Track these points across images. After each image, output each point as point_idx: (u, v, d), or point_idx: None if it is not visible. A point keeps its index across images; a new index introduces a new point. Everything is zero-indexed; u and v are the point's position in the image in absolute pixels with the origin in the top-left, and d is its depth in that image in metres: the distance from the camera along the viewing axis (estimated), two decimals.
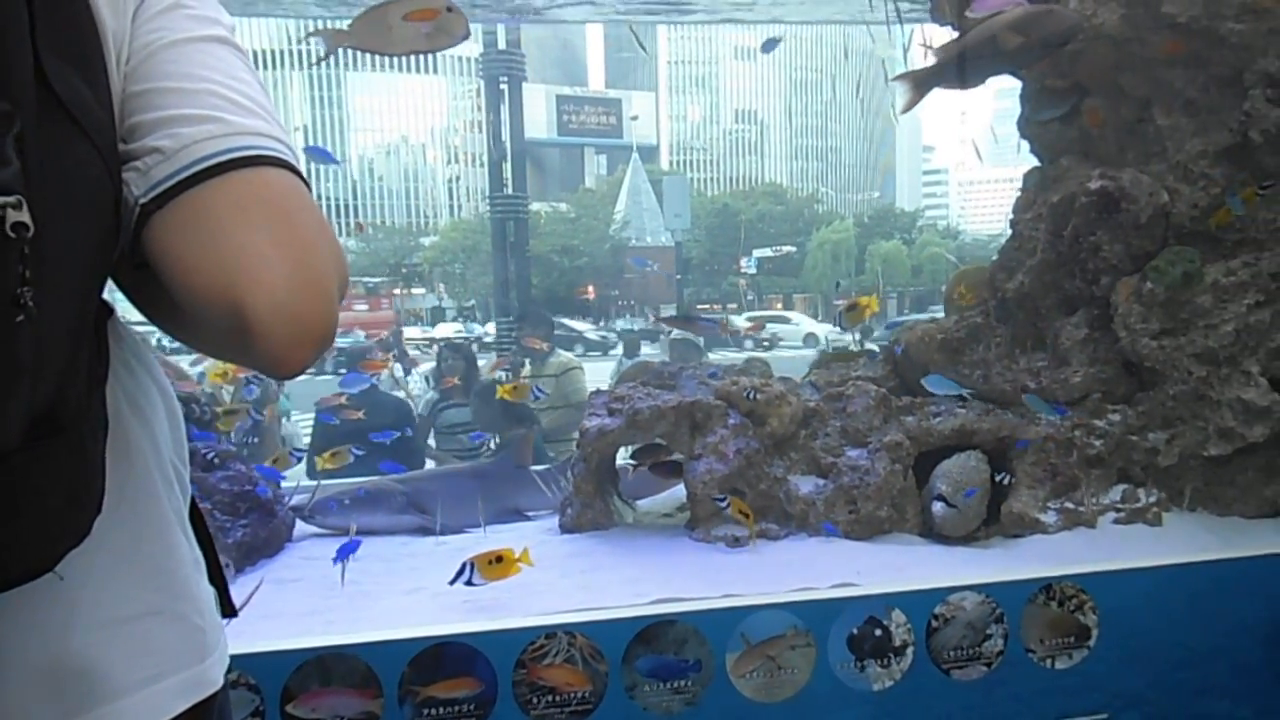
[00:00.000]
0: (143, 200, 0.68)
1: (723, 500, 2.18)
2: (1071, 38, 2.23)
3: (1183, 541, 2.14)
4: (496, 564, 1.78)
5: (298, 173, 0.73)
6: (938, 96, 2.39)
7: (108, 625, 0.73)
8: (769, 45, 4.19)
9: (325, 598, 1.91)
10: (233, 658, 1.49)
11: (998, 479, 2.26)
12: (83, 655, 0.71)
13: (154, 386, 0.82)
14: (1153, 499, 2.30)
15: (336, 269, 0.72)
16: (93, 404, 0.69)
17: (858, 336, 3.39)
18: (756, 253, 42.97)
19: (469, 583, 1.75)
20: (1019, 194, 2.82)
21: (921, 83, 2.37)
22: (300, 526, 2.43)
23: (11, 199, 0.55)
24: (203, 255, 0.67)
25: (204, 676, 0.80)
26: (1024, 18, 2.15)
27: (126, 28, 0.71)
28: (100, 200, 0.67)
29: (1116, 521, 2.27)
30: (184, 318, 0.73)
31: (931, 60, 2.39)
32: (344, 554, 2.00)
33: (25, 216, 0.55)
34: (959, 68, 2.29)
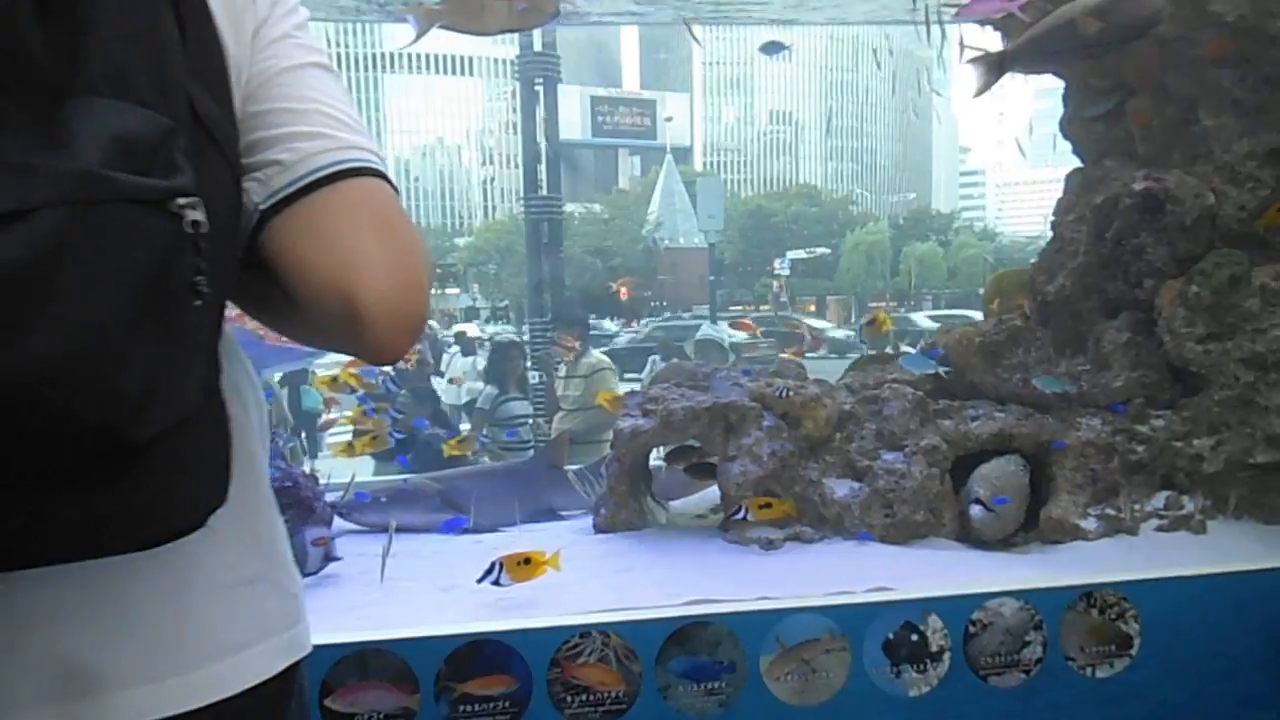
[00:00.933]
0: (262, 206, 0.78)
1: (739, 513, 2.17)
2: (1154, 25, 2.16)
3: (1228, 550, 2.09)
4: (525, 565, 1.79)
5: (390, 181, 0.84)
6: (964, 96, 2.37)
7: (224, 588, 0.80)
8: (771, 48, 4.05)
9: (363, 594, 1.94)
10: None
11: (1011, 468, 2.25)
12: (203, 614, 0.78)
13: (246, 377, 0.89)
14: (1197, 506, 2.25)
15: (427, 268, 0.83)
16: (220, 385, 0.77)
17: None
18: (790, 254, 42.80)
19: (496, 583, 1.77)
20: (1061, 195, 2.78)
21: (996, 66, 2.33)
22: (337, 523, 2.45)
23: (192, 200, 0.64)
24: (319, 255, 0.77)
25: (299, 639, 0.88)
26: (1106, 2, 2.10)
27: (247, 54, 0.80)
28: (230, 206, 0.76)
29: (1159, 529, 2.23)
30: (292, 311, 0.81)
31: (1002, 45, 2.35)
32: (451, 527, 2.21)
33: (201, 216, 0.64)
34: (1036, 52, 2.24)
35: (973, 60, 2.37)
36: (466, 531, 2.43)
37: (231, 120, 0.77)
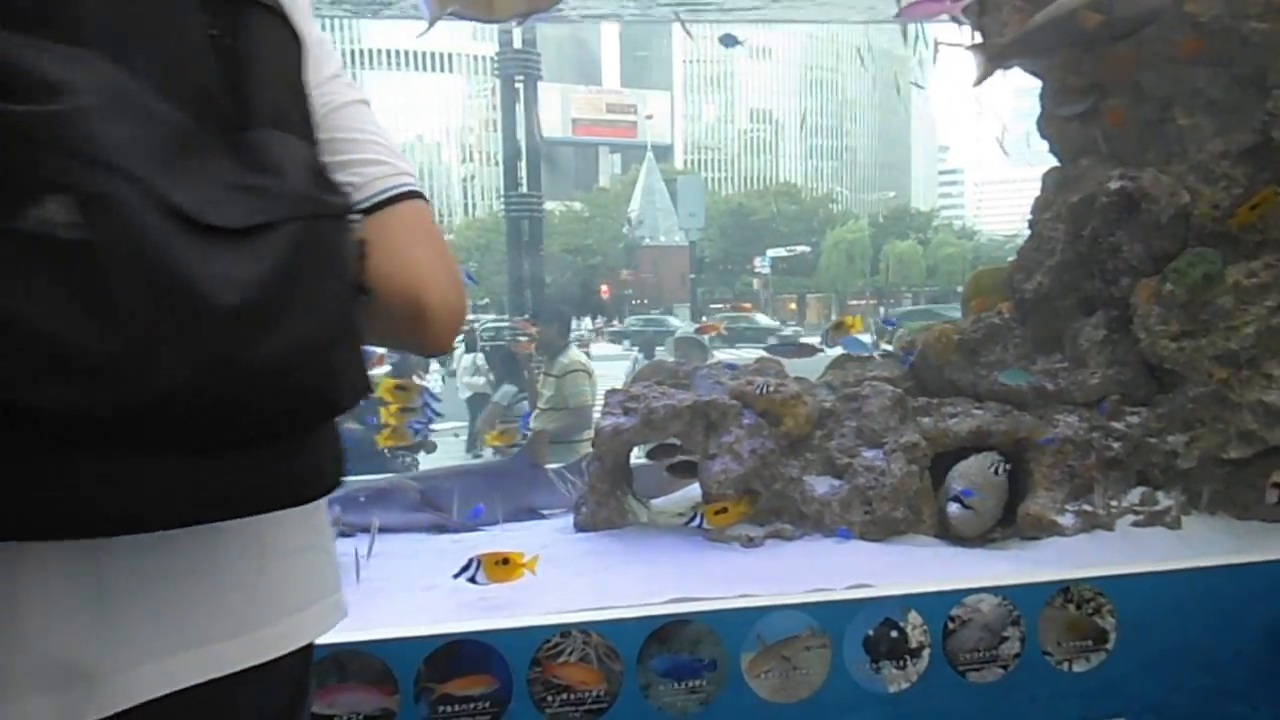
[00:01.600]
0: None
1: (695, 519, 2.18)
2: (1155, 19, 2.15)
3: (1202, 545, 2.12)
4: (503, 566, 1.79)
5: (427, 201, 0.98)
6: (952, 94, 2.38)
7: (291, 553, 0.88)
8: (727, 40, 4.14)
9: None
10: None
11: (992, 468, 2.28)
12: (277, 576, 0.87)
13: None
14: (1172, 502, 2.28)
15: (459, 273, 0.99)
16: None
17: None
18: (770, 252, 42.89)
19: (472, 579, 1.77)
20: (1038, 194, 2.80)
21: (997, 56, 2.31)
22: None
23: (359, 217, 0.82)
24: (389, 264, 0.88)
25: (342, 602, 0.96)
26: None
27: (310, 88, 0.90)
28: None
29: (1135, 524, 2.26)
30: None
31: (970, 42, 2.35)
32: (474, 516, 2.38)
33: (361, 228, 0.83)
34: (1037, 44, 2.23)
35: (972, 49, 2.36)
36: (445, 530, 2.42)
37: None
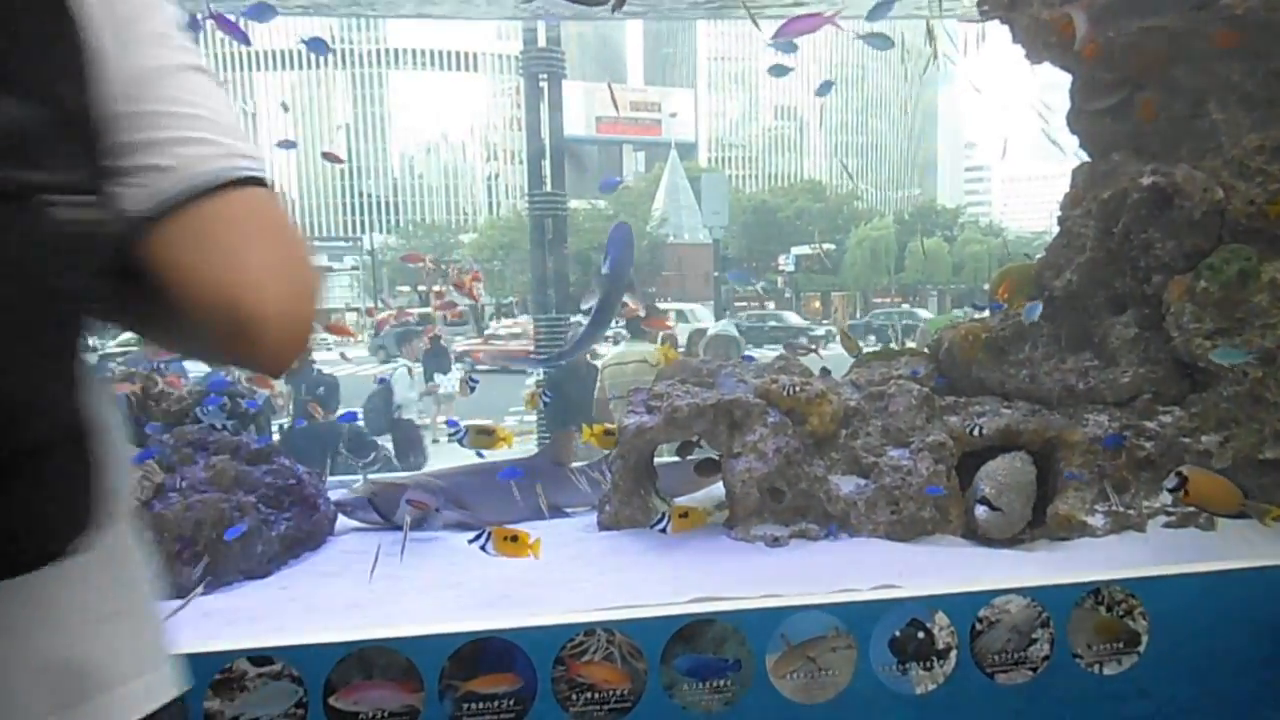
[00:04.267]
0: (147, 214, 0.73)
1: (660, 522, 2.18)
2: None
3: (1236, 546, 2.08)
4: (512, 542, 1.86)
5: (275, 190, 0.82)
6: (977, 89, 2.34)
7: (90, 623, 0.76)
8: (778, 71, 4.08)
9: (366, 591, 1.93)
10: (276, 650, 1.51)
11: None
12: (73, 649, 0.74)
13: (108, 403, 0.82)
14: None
15: (315, 278, 0.81)
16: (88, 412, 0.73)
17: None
18: (795, 250, 42.70)
19: (483, 548, 1.84)
20: (1068, 190, 2.76)
21: (1104, 16, 2.24)
22: (341, 521, 2.45)
23: (70, 197, 0.64)
24: (209, 265, 0.74)
25: (169, 679, 0.83)
26: None
27: (114, 47, 0.74)
28: (99, 209, 0.72)
29: (1167, 525, 2.22)
30: (178, 323, 0.77)
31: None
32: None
33: (81, 214, 0.66)
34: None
35: (1071, 4, 2.28)
36: (469, 528, 2.42)
37: (96, 116, 0.71)
